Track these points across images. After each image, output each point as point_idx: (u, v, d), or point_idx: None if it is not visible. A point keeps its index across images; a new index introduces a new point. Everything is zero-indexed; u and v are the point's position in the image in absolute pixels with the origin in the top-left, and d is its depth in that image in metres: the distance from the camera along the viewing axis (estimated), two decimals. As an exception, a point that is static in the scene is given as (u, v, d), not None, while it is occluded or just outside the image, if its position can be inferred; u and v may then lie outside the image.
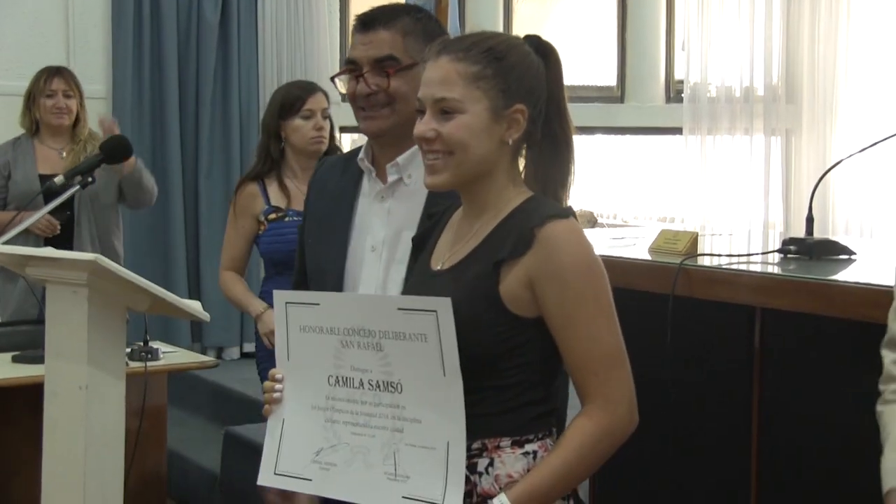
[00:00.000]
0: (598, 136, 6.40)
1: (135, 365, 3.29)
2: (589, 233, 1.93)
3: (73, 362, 2.51)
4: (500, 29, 6.17)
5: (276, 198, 3.37)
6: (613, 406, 1.64)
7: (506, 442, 1.66)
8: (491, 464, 1.65)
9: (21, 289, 4.21)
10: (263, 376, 2.76)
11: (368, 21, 2.01)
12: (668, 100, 6.44)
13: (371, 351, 1.67)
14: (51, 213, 4.13)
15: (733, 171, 5.91)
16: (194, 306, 2.74)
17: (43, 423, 2.58)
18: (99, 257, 2.46)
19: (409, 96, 1.96)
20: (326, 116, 3.43)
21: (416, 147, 1.99)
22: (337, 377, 1.72)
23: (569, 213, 1.68)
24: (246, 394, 4.93)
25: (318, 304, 1.76)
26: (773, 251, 2.77)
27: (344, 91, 2.11)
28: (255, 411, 2.12)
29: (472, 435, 1.62)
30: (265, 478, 1.80)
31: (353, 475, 1.70)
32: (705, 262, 2.62)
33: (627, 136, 6.59)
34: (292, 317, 1.77)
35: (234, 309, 3.56)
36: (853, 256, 2.69)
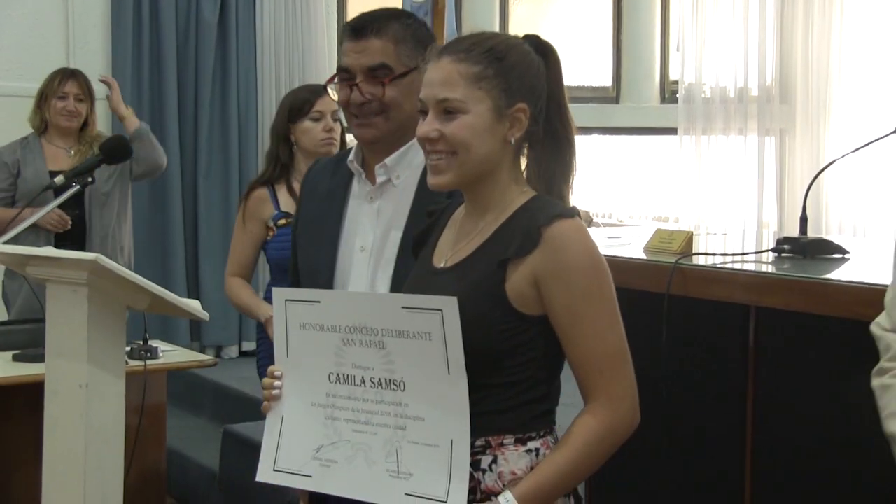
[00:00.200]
0: (594, 137, 6.40)
1: (134, 363, 3.30)
2: (587, 232, 1.94)
3: (74, 361, 2.52)
4: (497, 30, 6.18)
5: (286, 203, 3.26)
6: (617, 404, 1.65)
7: (509, 439, 1.67)
8: (494, 461, 1.66)
9: (27, 288, 4.21)
10: (263, 375, 2.76)
11: (359, 28, 2.00)
12: (663, 100, 6.45)
13: (373, 349, 1.68)
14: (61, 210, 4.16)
15: (728, 171, 5.91)
16: (193, 305, 2.75)
17: (43, 422, 2.59)
18: (99, 257, 2.46)
19: (402, 104, 1.98)
20: (336, 119, 3.35)
21: (404, 148, 2.02)
22: (338, 374, 1.73)
23: (574, 212, 1.69)
24: (245, 392, 4.95)
25: (318, 302, 1.76)
26: (768, 250, 2.78)
27: (336, 97, 2.11)
28: (254, 409, 2.13)
29: (475, 432, 1.63)
30: (264, 474, 1.80)
31: (355, 472, 1.70)
32: (700, 261, 2.63)
33: (623, 137, 6.58)
34: (291, 314, 1.78)
35: (232, 308, 3.53)
36: (846, 255, 2.70)
